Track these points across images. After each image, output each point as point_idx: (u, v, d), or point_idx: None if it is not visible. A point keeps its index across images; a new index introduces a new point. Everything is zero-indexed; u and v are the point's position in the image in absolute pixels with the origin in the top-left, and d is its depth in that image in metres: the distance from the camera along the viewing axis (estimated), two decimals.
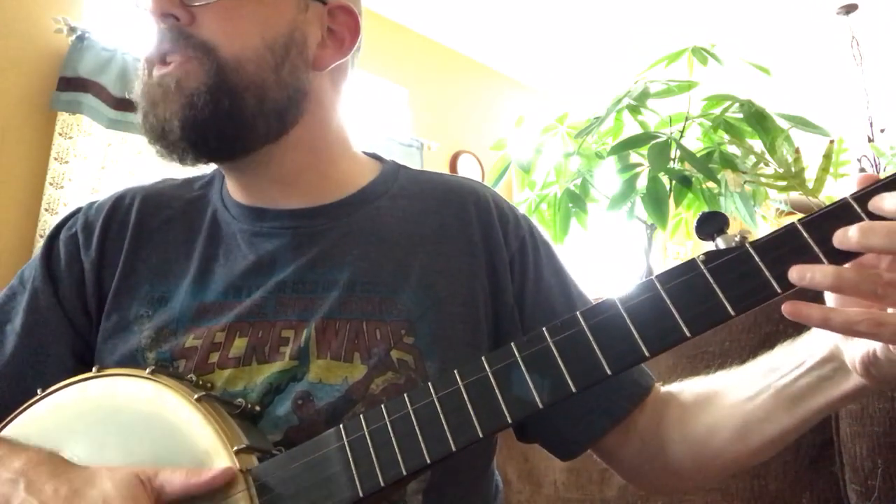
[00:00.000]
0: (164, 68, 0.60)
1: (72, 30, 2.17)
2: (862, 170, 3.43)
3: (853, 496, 0.79)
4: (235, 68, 0.59)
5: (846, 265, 0.42)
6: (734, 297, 0.43)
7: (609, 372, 0.45)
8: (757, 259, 0.43)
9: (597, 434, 0.64)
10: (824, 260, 0.41)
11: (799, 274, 0.41)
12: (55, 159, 2.09)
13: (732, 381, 0.59)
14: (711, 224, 0.46)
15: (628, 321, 0.45)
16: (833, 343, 0.49)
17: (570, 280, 0.72)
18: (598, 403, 0.64)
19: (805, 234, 0.42)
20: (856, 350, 0.46)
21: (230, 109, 0.60)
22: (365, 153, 0.76)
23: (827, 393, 0.51)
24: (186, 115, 0.59)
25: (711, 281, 0.44)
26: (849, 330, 0.42)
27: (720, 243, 0.45)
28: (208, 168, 0.72)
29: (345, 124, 0.71)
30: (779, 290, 0.42)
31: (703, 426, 0.59)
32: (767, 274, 0.43)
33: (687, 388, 0.64)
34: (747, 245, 0.44)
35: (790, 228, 0.43)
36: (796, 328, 0.91)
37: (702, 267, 0.44)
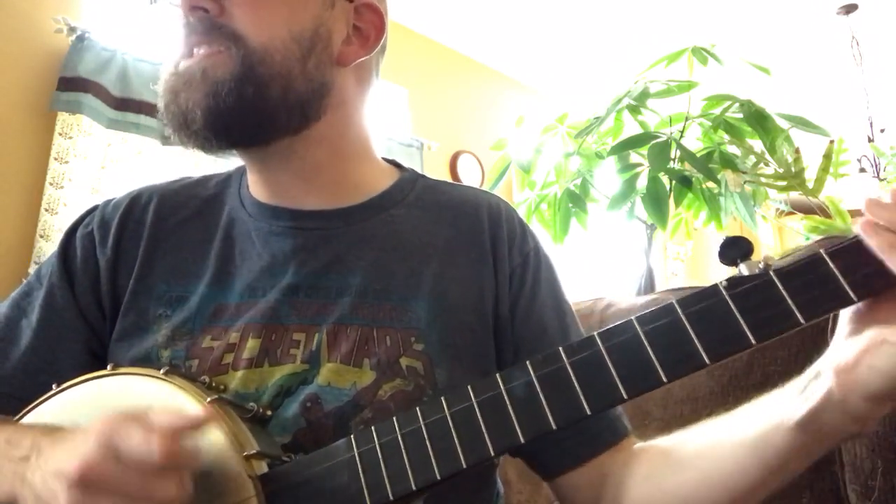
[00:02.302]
0: (190, 60, 0.61)
1: (72, 30, 2.17)
2: (862, 170, 3.43)
3: (853, 496, 0.79)
4: (263, 58, 0.60)
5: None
6: (756, 326, 0.42)
7: (626, 396, 0.44)
8: (780, 287, 0.42)
9: (574, 462, 0.63)
10: (849, 290, 0.41)
11: (871, 207, 0.41)
12: (55, 159, 2.09)
13: (705, 446, 0.55)
14: (735, 249, 0.45)
15: (647, 345, 0.44)
16: (826, 387, 0.45)
17: (567, 308, 0.71)
18: (580, 431, 0.63)
19: (830, 263, 0.42)
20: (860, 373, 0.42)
21: (254, 99, 0.60)
22: (385, 160, 0.77)
23: (806, 449, 0.47)
24: (209, 104, 0.59)
25: (733, 308, 0.43)
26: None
27: (743, 269, 0.44)
28: (220, 168, 0.72)
29: (367, 128, 0.72)
30: (802, 321, 0.41)
31: (667, 489, 0.57)
32: (791, 303, 0.42)
33: (660, 444, 0.61)
34: (771, 272, 0.43)
35: (815, 257, 0.42)
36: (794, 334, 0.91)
37: (724, 293, 0.44)
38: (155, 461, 0.41)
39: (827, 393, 0.44)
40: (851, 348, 0.43)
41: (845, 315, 0.45)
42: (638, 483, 0.59)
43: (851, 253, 0.42)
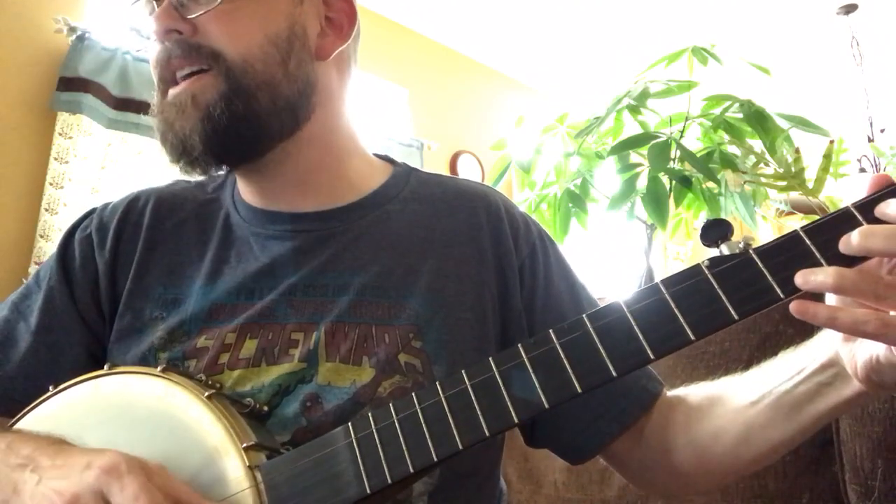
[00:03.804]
0: (177, 88, 0.61)
1: (72, 30, 2.17)
2: (862, 170, 3.43)
3: (853, 496, 0.79)
4: (245, 69, 0.60)
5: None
6: (738, 302, 0.44)
7: (614, 374, 0.45)
8: (760, 264, 0.44)
9: (606, 439, 0.65)
10: (825, 265, 0.42)
11: (803, 278, 0.42)
12: (55, 159, 2.08)
13: (736, 386, 0.59)
14: (716, 231, 0.46)
15: (633, 324, 0.46)
16: (833, 349, 0.50)
17: (579, 285, 0.72)
18: (607, 409, 0.64)
19: (807, 241, 0.43)
20: (857, 355, 0.46)
21: (245, 112, 0.60)
22: (376, 155, 0.77)
23: (826, 399, 0.51)
24: (205, 129, 0.60)
25: (715, 285, 0.44)
26: (856, 330, 0.42)
27: (724, 249, 0.45)
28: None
29: (353, 122, 0.72)
30: (781, 296, 0.43)
31: (707, 430, 0.60)
32: (770, 279, 0.43)
33: (692, 392, 0.64)
34: (751, 251, 0.44)
35: (793, 235, 0.44)
36: (795, 328, 0.91)
37: (706, 272, 0.45)
38: None
39: (860, 394, 0.49)
40: (867, 350, 0.46)
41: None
42: (678, 428, 0.62)
43: (828, 229, 0.43)
